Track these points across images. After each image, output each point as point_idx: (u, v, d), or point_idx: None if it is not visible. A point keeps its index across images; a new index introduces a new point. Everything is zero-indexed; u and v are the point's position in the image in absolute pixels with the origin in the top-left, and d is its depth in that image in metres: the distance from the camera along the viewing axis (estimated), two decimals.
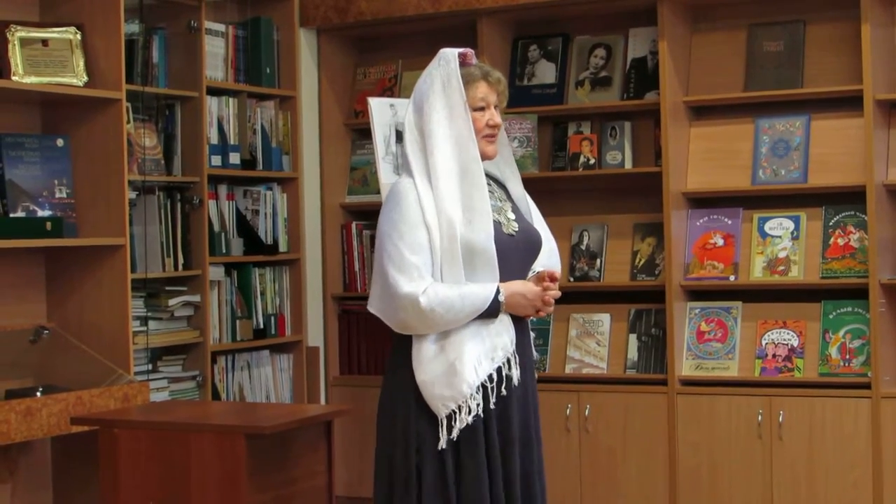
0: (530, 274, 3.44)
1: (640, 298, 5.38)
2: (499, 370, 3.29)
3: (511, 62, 5.64)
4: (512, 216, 3.42)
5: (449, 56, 3.34)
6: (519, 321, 3.36)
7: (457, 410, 3.23)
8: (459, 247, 3.22)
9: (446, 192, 3.24)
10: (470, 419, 3.24)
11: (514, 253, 3.34)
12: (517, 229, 3.40)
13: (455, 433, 3.23)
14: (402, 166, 3.37)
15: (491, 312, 3.26)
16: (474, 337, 3.26)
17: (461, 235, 3.23)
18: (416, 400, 3.27)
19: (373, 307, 3.33)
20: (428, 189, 3.26)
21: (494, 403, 3.27)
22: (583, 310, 5.42)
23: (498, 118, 3.39)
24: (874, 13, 4.85)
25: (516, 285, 3.31)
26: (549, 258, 3.52)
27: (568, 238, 5.47)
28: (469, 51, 3.40)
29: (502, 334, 3.30)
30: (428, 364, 3.24)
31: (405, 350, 3.30)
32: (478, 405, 3.24)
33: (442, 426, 3.24)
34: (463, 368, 3.22)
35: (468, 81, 3.33)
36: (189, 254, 5.09)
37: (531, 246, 3.45)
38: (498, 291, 3.27)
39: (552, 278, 3.35)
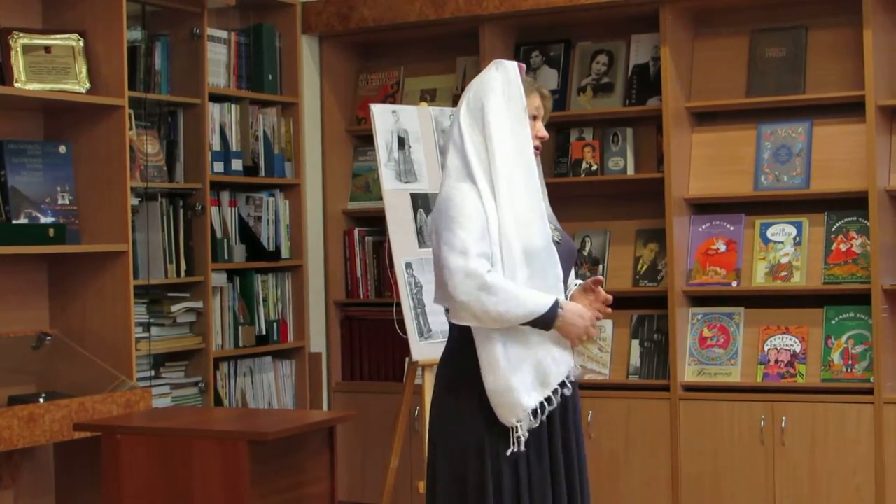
0: (571, 287, 3.43)
1: (643, 304, 5.38)
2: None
3: None
4: (552, 224, 3.40)
5: (507, 65, 3.32)
6: None
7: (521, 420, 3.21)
8: (521, 250, 3.19)
9: (508, 195, 3.21)
10: (536, 422, 3.20)
11: (561, 258, 3.32)
12: (560, 238, 3.39)
13: (524, 435, 3.20)
14: (456, 172, 3.28)
15: (546, 321, 3.18)
16: (533, 358, 3.20)
17: (523, 239, 3.20)
18: (483, 409, 3.21)
19: (436, 300, 3.29)
20: (490, 192, 3.22)
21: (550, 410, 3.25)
22: None
23: (544, 132, 3.38)
24: (876, 19, 4.85)
25: (576, 305, 3.24)
26: None
27: None
28: (523, 65, 3.40)
29: (560, 365, 3.25)
30: (492, 373, 3.18)
31: (464, 360, 3.25)
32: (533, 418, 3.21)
33: (512, 433, 3.19)
34: (518, 394, 3.18)
35: (525, 91, 3.32)
36: (191, 260, 5.09)
37: (571, 255, 3.44)
38: (557, 303, 3.19)
39: (597, 282, 3.28)
